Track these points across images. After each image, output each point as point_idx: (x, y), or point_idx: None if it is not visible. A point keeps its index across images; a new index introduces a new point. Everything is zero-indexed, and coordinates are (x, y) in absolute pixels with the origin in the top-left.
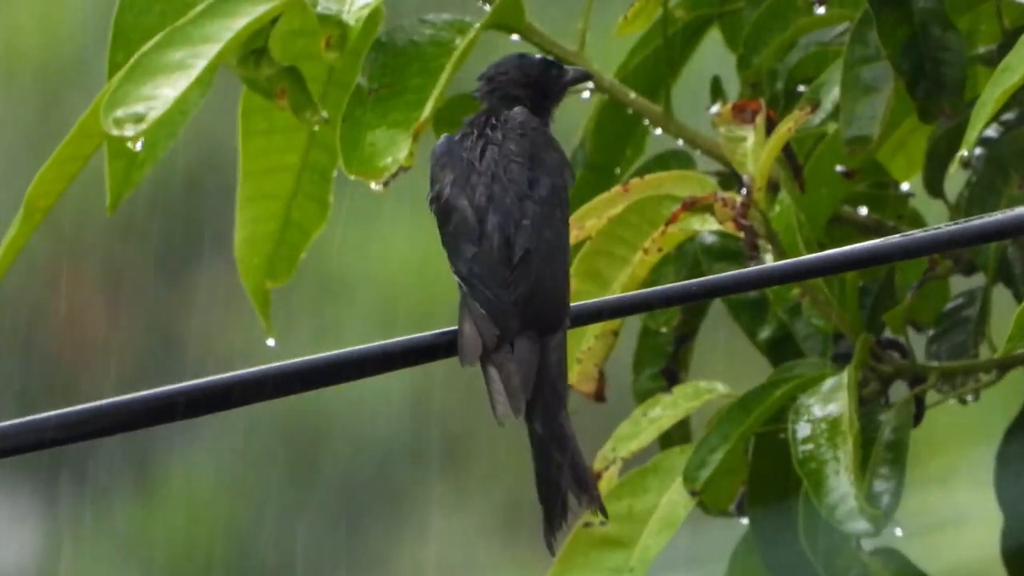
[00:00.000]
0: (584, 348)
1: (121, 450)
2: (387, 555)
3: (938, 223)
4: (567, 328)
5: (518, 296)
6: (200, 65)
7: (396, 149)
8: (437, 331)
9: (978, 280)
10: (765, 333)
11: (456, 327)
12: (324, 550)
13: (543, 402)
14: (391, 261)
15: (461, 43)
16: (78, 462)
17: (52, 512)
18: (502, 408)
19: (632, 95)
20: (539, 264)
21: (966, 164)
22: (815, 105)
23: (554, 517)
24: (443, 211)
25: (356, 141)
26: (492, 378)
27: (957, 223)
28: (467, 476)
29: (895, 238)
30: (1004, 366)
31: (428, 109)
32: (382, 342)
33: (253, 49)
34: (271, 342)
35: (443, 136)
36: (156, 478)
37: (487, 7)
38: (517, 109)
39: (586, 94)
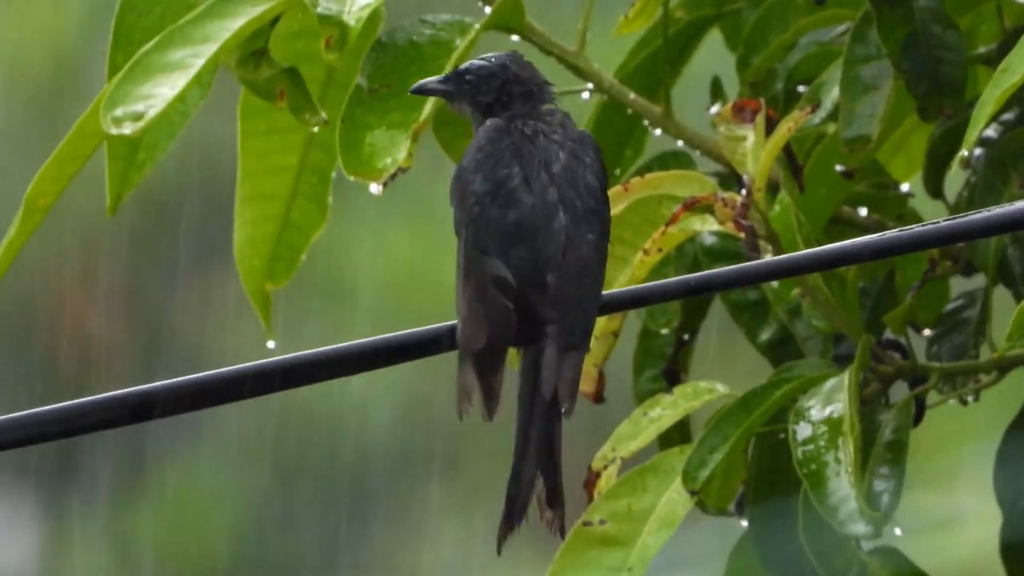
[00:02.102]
0: None
1: (120, 452)
2: (386, 557)
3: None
4: (586, 351)
5: (559, 300)
6: (199, 64)
7: (395, 150)
8: (440, 324)
9: (978, 282)
10: (766, 334)
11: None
12: (323, 553)
13: (545, 414)
14: (393, 263)
15: (461, 43)
16: (77, 464)
17: (51, 513)
18: (467, 405)
19: (632, 95)
20: (590, 278)
21: (966, 164)
22: (815, 105)
23: (513, 518)
24: (503, 202)
25: (355, 142)
26: (469, 373)
27: (954, 217)
28: (466, 477)
29: (894, 232)
30: (1004, 366)
31: (428, 109)
32: (386, 335)
33: (253, 50)
34: (271, 344)
35: (483, 129)
36: (154, 481)
37: (487, 8)
38: (582, 129)
39: (586, 94)
